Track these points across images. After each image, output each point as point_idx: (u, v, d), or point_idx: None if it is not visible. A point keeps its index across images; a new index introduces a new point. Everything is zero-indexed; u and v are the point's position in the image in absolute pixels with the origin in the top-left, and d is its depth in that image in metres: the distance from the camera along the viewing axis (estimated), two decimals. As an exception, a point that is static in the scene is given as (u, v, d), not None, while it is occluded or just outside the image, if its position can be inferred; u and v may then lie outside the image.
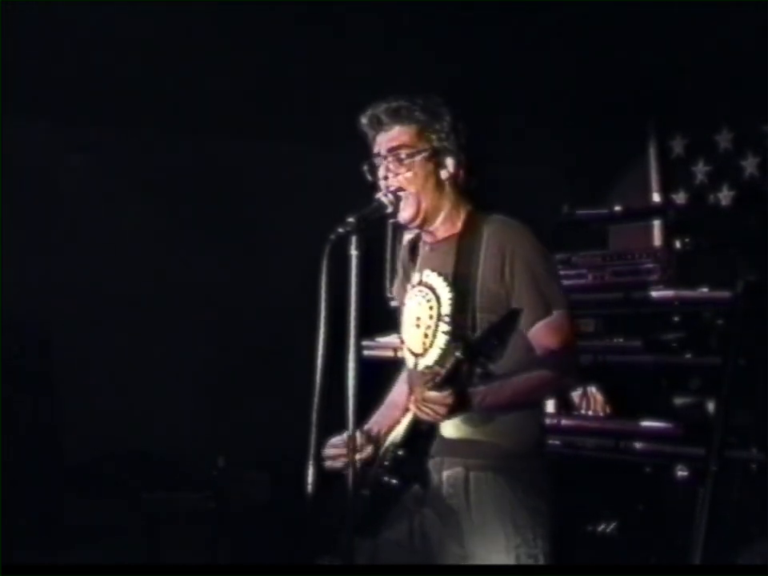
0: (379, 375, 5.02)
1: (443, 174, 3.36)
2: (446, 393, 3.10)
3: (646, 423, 4.38)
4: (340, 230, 3.20)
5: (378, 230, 5.01)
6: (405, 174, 3.34)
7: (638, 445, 4.39)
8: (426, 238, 3.48)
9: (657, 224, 5.54)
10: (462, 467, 3.32)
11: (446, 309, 3.34)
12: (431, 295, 3.39)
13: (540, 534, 3.30)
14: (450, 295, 3.34)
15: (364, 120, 3.40)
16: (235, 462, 6.17)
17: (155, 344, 6.57)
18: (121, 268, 6.52)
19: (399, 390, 3.69)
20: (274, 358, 6.71)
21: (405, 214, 3.37)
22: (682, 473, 4.17)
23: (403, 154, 3.34)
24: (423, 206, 3.36)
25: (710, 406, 4.24)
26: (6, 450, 5.76)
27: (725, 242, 4.57)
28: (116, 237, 6.55)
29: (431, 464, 3.34)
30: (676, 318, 4.42)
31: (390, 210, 3.34)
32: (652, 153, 6.44)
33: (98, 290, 6.46)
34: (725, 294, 4.23)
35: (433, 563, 3.35)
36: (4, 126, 6.02)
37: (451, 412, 3.14)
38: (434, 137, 3.34)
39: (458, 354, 3.10)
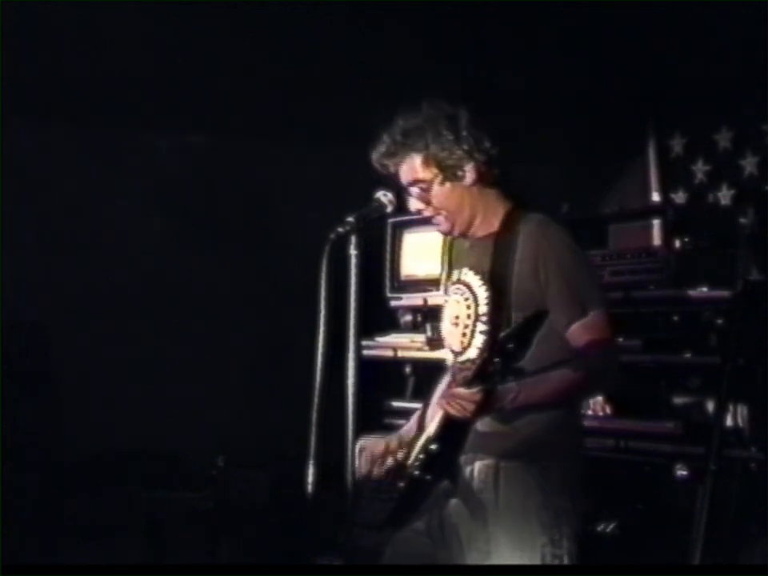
0: (379, 375, 5.03)
1: (467, 181, 3.38)
2: (474, 390, 3.11)
3: (645, 423, 4.37)
4: (339, 229, 3.21)
5: (377, 229, 5.04)
6: (432, 202, 3.39)
7: (637, 444, 4.39)
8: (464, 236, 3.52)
9: (656, 223, 5.52)
10: (493, 461, 3.33)
11: (483, 308, 3.36)
12: (468, 293, 3.42)
13: (566, 533, 3.31)
14: (486, 294, 3.36)
15: (375, 165, 3.43)
16: (234, 461, 6.17)
17: (154, 343, 6.57)
18: (120, 268, 6.53)
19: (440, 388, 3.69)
20: (273, 357, 6.72)
21: (441, 228, 3.46)
22: (681, 472, 4.17)
23: (417, 188, 3.39)
24: (458, 220, 3.41)
25: (710, 406, 4.24)
26: (5, 448, 5.76)
27: (724, 241, 4.57)
28: (114, 237, 6.55)
29: (463, 458, 3.35)
30: (675, 318, 4.42)
31: (389, 209, 3.35)
32: (651, 152, 6.43)
33: (97, 289, 6.46)
34: (724, 293, 4.23)
35: (459, 556, 3.36)
36: (4, 126, 6.02)
37: (480, 409, 3.16)
38: (440, 156, 3.34)
39: (485, 354, 3.14)
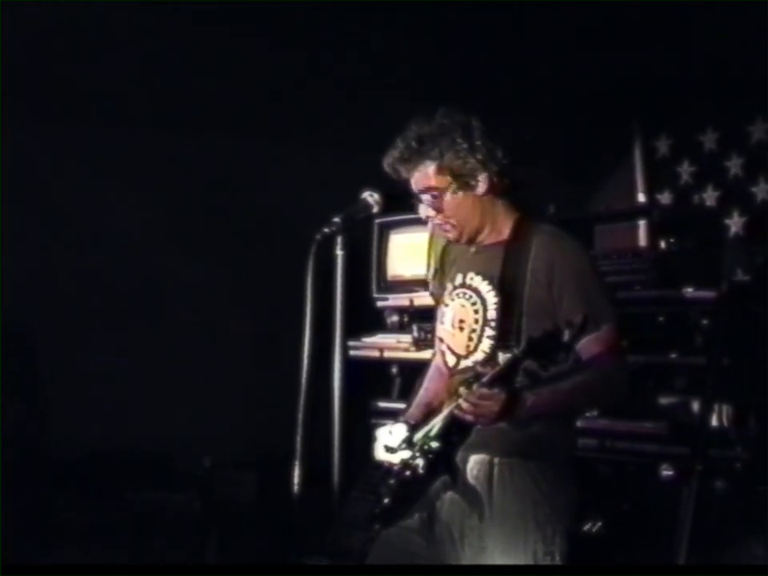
0: (365, 375, 5.04)
1: (479, 191, 3.37)
2: (497, 390, 3.12)
3: (631, 423, 4.38)
4: (326, 229, 3.21)
5: (363, 229, 5.04)
6: (443, 210, 3.38)
7: (623, 444, 4.40)
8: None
9: (642, 224, 5.54)
10: (487, 456, 3.33)
11: (492, 313, 3.35)
12: (476, 298, 3.40)
13: (559, 531, 3.31)
14: (495, 299, 3.36)
15: (387, 169, 3.41)
16: (221, 461, 6.18)
17: (142, 344, 6.57)
18: (108, 268, 6.52)
19: (430, 387, 3.67)
20: (259, 357, 6.72)
21: (449, 236, 3.44)
22: (667, 472, 4.18)
23: (429, 195, 3.37)
24: (467, 229, 3.40)
25: (695, 406, 4.25)
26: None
27: (709, 242, 4.59)
28: (103, 236, 6.55)
29: (460, 454, 3.34)
30: (661, 318, 4.44)
31: (375, 209, 3.35)
32: (637, 153, 6.46)
33: (84, 289, 6.45)
34: (709, 293, 4.24)
35: (451, 552, 3.35)
36: (3, 126, 6.01)
37: (504, 410, 3.15)
38: (455, 165, 3.33)
39: (516, 351, 3.13)
